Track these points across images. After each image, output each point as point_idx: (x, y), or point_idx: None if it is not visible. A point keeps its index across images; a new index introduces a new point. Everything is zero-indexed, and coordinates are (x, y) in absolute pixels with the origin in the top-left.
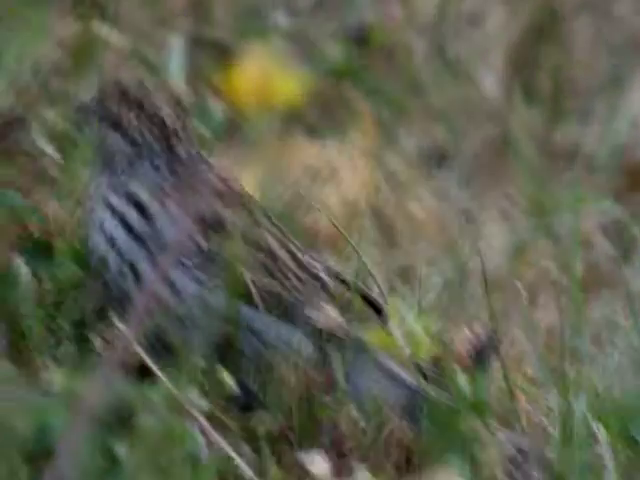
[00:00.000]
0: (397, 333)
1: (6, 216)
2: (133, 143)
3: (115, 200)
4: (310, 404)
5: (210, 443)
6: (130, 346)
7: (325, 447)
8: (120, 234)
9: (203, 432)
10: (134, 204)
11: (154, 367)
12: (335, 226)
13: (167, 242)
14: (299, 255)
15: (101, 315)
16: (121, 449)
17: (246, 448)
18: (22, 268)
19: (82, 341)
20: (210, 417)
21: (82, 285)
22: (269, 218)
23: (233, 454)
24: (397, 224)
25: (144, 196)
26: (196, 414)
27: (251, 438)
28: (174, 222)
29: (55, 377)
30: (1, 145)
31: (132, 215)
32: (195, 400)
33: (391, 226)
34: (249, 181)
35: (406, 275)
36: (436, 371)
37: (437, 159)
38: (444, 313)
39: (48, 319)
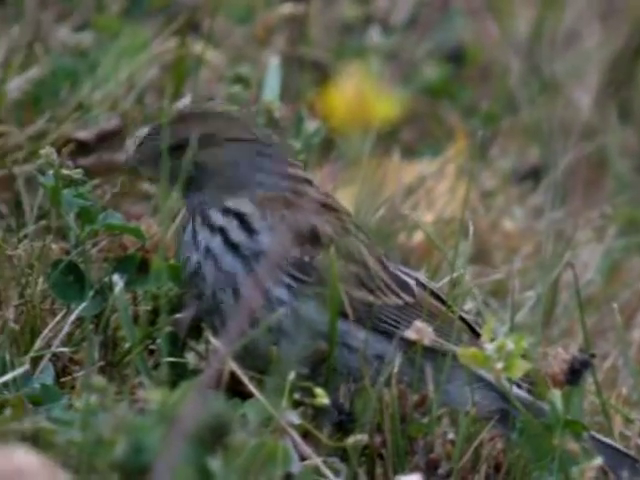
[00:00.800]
0: (490, 349)
1: (104, 233)
2: (256, 154)
3: (214, 215)
4: (404, 422)
5: (303, 459)
6: (225, 363)
7: (419, 468)
8: (218, 247)
9: (296, 448)
10: (235, 216)
11: (249, 383)
12: (432, 241)
13: (265, 253)
14: (390, 266)
15: (196, 331)
16: (216, 466)
17: (339, 465)
18: (118, 285)
19: (178, 357)
20: (304, 433)
21: (178, 301)
22: (360, 229)
23: (326, 470)
24: (491, 242)
25: (247, 208)
26: (290, 430)
27: (344, 455)
28: (274, 234)
29: (151, 395)
30: (96, 159)
31: (233, 226)
32: (288, 416)
33: (485, 244)
34: (345, 198)
35: (500, 292)
36: (529, 388)
37: (532, 178)
38: (537, 330)
39: (145, 337)
